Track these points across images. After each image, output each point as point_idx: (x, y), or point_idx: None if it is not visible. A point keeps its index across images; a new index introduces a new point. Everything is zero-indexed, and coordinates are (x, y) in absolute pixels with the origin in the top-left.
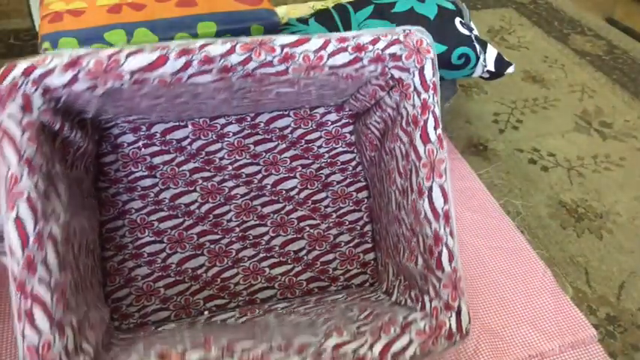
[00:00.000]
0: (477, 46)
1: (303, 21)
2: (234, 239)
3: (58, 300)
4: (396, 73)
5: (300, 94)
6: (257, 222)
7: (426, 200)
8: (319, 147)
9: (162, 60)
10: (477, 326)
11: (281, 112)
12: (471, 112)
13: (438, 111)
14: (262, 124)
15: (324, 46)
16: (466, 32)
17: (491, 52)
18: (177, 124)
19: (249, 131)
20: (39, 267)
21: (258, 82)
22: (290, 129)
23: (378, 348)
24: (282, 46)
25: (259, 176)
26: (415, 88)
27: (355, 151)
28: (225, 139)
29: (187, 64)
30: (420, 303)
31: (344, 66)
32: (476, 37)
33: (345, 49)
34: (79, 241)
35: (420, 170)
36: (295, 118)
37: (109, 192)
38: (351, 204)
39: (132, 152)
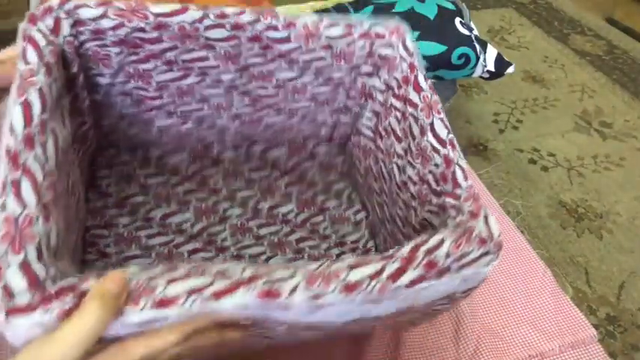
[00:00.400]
0: (477, 46)
1: None
2: (228, 258)
3: (48, 187)
4: (382, 51)
5: (297, 89)
6: (253, 242)
7: (430, 134)
8: (313, 175)
9: (183, 9)
10: (477, 326)
11: (275, 144)
12: (471, 112)
13: (424, 70)
14: (257, 153)
15: (320, 20)
16: (466, 32)
17: (491, 52)
18: (173, 149)
19: (245, 158)
20: (37, 146)
21: (263, 52)
22: (284, 159)
23: (407, 248)
24: (285, 17)
25: (255, 199)
26: (401, 57)
27: (347, 180)
28: (221, 164)
29: (205, 16)
30: (441, 229)
31: (338, 38)
32: (476, 37)
33: (337, 24)
34: (73, 181)
35: (419, 114)
36: (289, 149)
37: (97, 204)
38: (349, 225)
39: (126, 170)
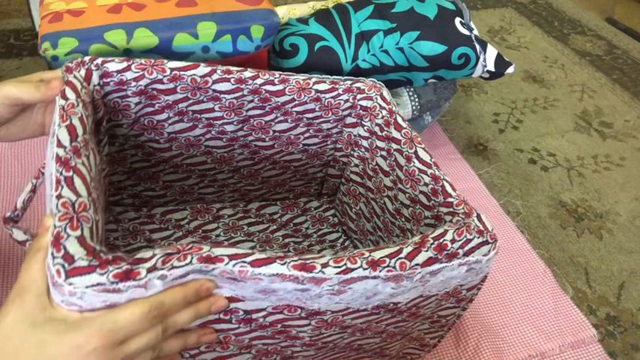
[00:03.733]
0: (477, 46)
1: (303, 21)
2: None
3: (94, 187)
4: (363, 102)
5: (291, 141)
6: None
7: (416, 160)
8: (307, 228)
9: (195, 65)
10: (478, 326)
11: (269, 202)
12: (471, 112)
13: (401, 114)
14: (254, 210)
15: (309, 77)
16: (466, 32)
17: (491, 52)
18: (176, 207)
19: (243, 214)
20: (83, 157)
21: (262, 105)
22: (279, 215)
23: (416, 238)
24: (280, 74)
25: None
26: (380, 106)
27: (340, 230)
28: (221, 220)
29: (213, 71)
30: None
31: (325, 92)
32: (476, 37)
33: (324, 81)
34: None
35: (402, 147)
36: (282, 206)
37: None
38: None
39: (132, 226)
